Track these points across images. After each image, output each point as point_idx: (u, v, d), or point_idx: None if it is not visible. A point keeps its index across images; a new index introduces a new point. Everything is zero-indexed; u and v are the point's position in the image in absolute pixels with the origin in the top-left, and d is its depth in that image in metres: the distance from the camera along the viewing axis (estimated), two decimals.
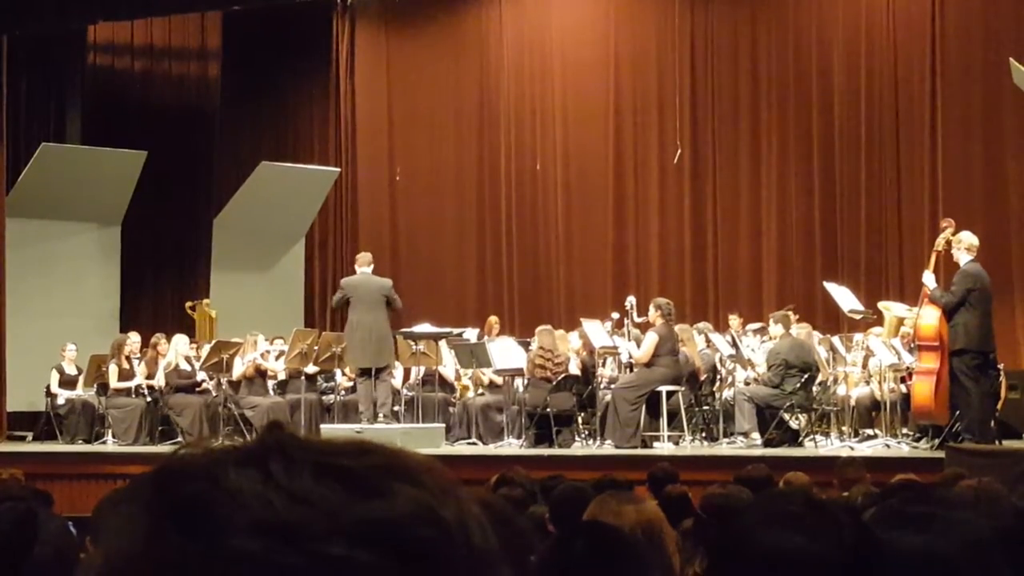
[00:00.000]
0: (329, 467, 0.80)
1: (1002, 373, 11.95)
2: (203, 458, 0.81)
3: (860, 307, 12.88)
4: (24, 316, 15.31)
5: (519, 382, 13.14)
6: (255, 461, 0.80)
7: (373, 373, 12.77)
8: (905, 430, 11.99)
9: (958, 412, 10.63)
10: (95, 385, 14.22)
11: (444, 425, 13.02)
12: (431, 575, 0.78)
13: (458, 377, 13.95)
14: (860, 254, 16.11)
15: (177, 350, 13.79)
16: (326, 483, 0.79)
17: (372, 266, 13.18)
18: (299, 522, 0.77)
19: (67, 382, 14.36)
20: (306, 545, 0.76)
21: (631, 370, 12.54)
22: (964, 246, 10.88)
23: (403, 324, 13.99)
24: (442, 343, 13.73)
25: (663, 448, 11.97)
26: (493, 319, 15.34)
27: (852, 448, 11.56)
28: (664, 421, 12.11)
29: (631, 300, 13.11)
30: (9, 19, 14.37)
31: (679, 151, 17.02)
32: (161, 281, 17.39)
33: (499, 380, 13.32)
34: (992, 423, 10.90)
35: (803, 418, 12.43)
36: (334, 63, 18.67)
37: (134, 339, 14.28)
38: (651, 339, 12.19)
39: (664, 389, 12.06)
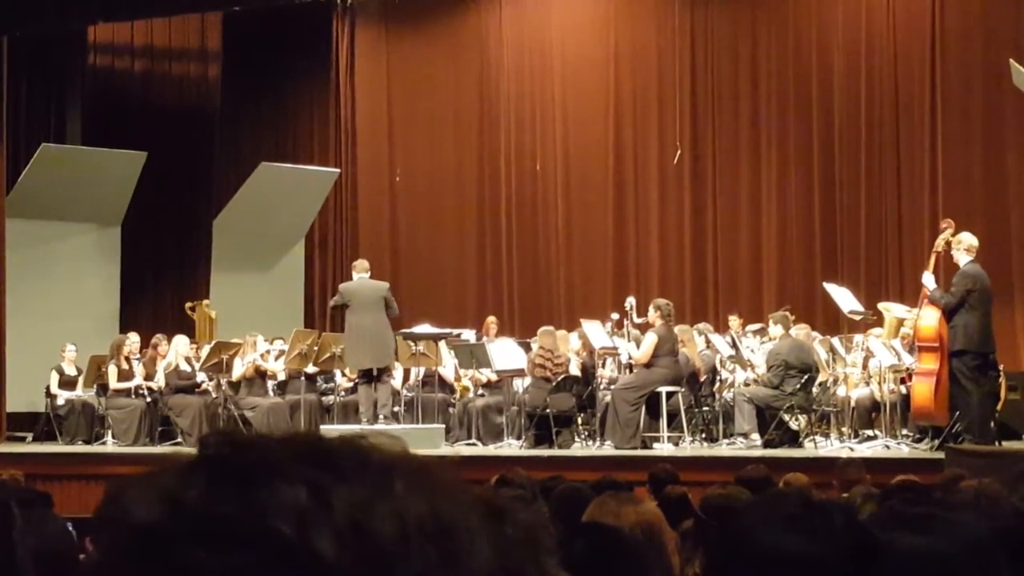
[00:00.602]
0: (221, 462, 0.77)
1: (1002, 374, 11.95)
2: (137, 475, 0.80)
3: (860, 308, 12.87)
4: (24, 317, 15.31)
5: (519, 383, 13.15)
6: (167, 471, 0.78)
7: (374, 374, 12.79)
8: (905, 431, 11.99)
9: (958, 413, 10.63)
10: (95, 386, 14.22)
11: (444, 426, 13.03)
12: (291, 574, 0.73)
13: (458, 378, 13.96)
14: (860, 255, 16.11)
15: (177, 351, 13.79)
16: (203, 479, 0.76)
17: (369, 272, 13.21)
18: (159, 523, 0.75)
19: (67, 383, 14.36)
20: (164, 548, 0.74)
21: (631, 371, 12.55)
22: (964, 247, 10.87)
23: (403, 324, 13.98)
24: (442, 344, 13.74)
25: (663, 449, 11.96)
26: (491, 319, 15.33)
27: (852, 449, 11.55)
28: (664, 422, 12.10)
29: (631, 301, 13.11)
30: (9, 19, 14.37)
31: (679, 152, 17.02)
32: (161, 282, 17.38)
33: (495, 377, 13.35)
34: (992, 424, 10.90)
35: (803, 419, 12.43)
36: (334, 64, 18.67)
37: (133, 339, 14.28)
38: (651, 340, 12.19)
39: (664, 390, 12.06)
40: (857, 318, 12.86)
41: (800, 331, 12.84)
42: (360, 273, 13.13)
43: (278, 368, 13.97)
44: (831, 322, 14.70)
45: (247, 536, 0.73)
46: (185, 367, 13.74)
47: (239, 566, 0.73)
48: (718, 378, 13.42)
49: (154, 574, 0.74)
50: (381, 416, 12.68)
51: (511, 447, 12.51)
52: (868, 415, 12.67)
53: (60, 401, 14.21)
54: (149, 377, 13.85)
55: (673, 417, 12.27)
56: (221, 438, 0.80)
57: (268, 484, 0.75)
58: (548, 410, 12.38)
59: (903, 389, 12.05)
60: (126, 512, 0.76)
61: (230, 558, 0.73)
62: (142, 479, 0.78)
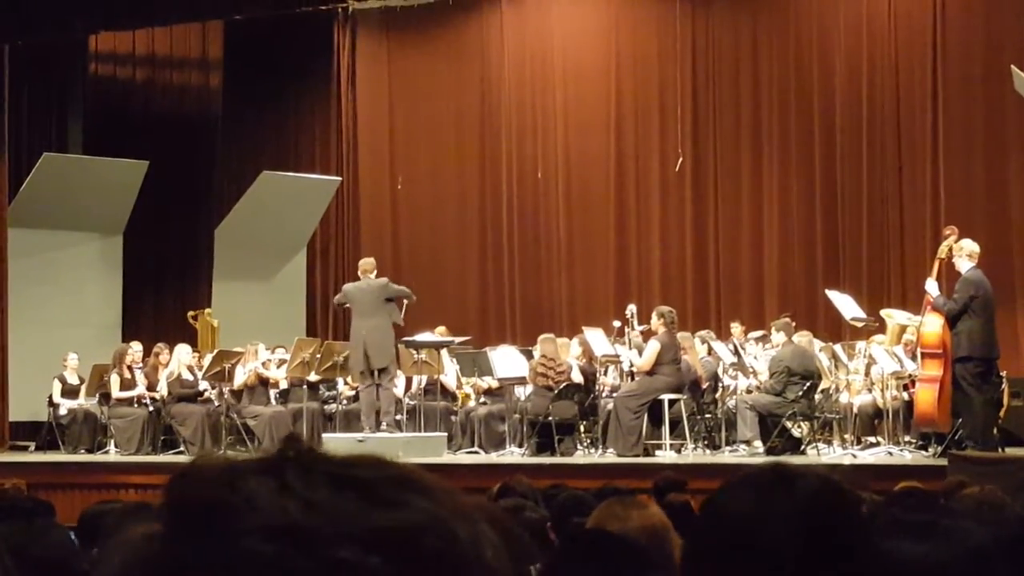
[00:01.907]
0: (345, 478, 0.83)
1: (1005, 380, 11.94)
2: (221, 465, 0.83)
3: (862, 315, 12.87)
4: (26, 326, 15.31)
5: (520, 390, 13.14)
6: (272, 470, 0.82)
7: (376, 379, 12.76)
8: (907, 438, 11.98)
9: (960, 419, 10.62)
10: (97, 395, 14.21)
11: (446, 434, 13.02)
12: None
13: (459, 386, 13.95)
14: (862, 261, 16.09)
15: (179, 360, 13.79)
16: (341, 492, 0.81)
17: (375, 272, 13.18)
18: (312, 527, 0.79)
19: (69, 392, 14.36)
20: (317, 550, 0.79)
21: (633, 378, 12.54)
22: (965, 253, 10.87)
23: (405, 332, 13.97)
24: (443, 352, 13.73)
25: (665, 456, 11.96)
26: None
27: (854, 456, 11.55)
28: (666, 429, 12.10)
29: (632, 308, 13.11)
30: (10, 28, 14.39)
31: (680, 159, 17.02)
32: (163, 290, 17.38)
33: (496, 385, 13.34)
34: (995, 431, 10.88)
35: (805, 426, 12.41)
36: (336, 72, 18.67)
37: (136, 348, 14.29)
38: (653, 347, 12.19)
39: (666, 397, 12.06)
40: (859, 325, 12.85)
41: (802, 338, 12.83)
42: (366, 274, 13.11)
43: (280, 376, 13.97)
44: (833, 329, 14.68)
45: (433, 542, 0.81)
46: (187, 376, 13.74)
47: (390, 567, 0.79)
48: (720, 385, 13.41)
49: (295, 571, 0.78)
50: (383, 424, 12.67)
51: (513, 455, 12.50)
52: (871, 422, 12.66)
53: (62, 410, 14.20)
54: (151, 386, 13.86)
55: (675, 424, 12.26)
56: (301, 445, 0.86)
57: (401, 503, 0.82)
58: (550, 418, 12.37)
59: (905, 396, 12.04)
60: (248, 512, 0.79)
61: (385, 563, 0.79)
62: (225, 482, 0.82)
